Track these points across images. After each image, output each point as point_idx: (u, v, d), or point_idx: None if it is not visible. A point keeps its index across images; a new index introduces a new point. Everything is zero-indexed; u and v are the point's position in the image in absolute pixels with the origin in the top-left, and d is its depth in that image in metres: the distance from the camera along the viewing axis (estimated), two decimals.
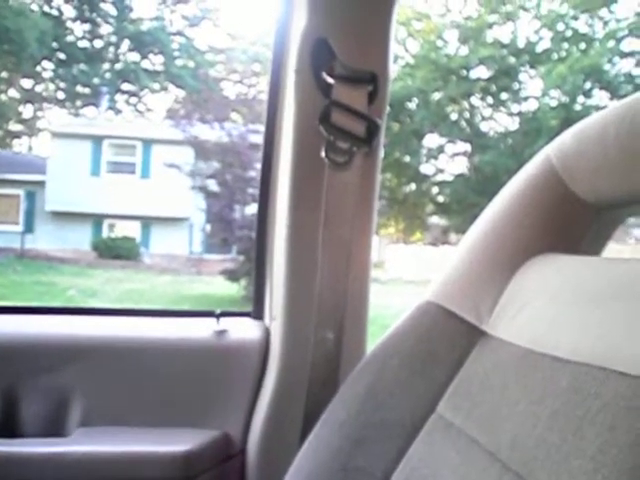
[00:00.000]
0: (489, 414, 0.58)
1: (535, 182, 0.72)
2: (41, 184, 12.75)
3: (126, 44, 18.57)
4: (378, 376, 0.72)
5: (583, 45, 13.09)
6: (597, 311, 0.55)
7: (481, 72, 14.40)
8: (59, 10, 17.67)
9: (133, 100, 19.32)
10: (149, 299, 7.89)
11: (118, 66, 18.38)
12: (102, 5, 18.18)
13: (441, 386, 0.67)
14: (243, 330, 1.00)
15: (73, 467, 0.86)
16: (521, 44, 14.08)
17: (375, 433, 0.68)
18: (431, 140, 14.64)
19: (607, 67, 12.56)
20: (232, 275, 8.09)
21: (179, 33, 18.83)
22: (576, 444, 0.46)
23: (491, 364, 0.63)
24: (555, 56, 13.43)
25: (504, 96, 14.31)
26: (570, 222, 0.70)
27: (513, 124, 14.33)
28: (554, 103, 13.30)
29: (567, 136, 0.69)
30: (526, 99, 14.26)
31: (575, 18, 13.53)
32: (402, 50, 13.81)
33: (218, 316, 0.99)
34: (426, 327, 0.72)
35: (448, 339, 0.70)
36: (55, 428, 0.93)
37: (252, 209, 8.07)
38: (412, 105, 13.83)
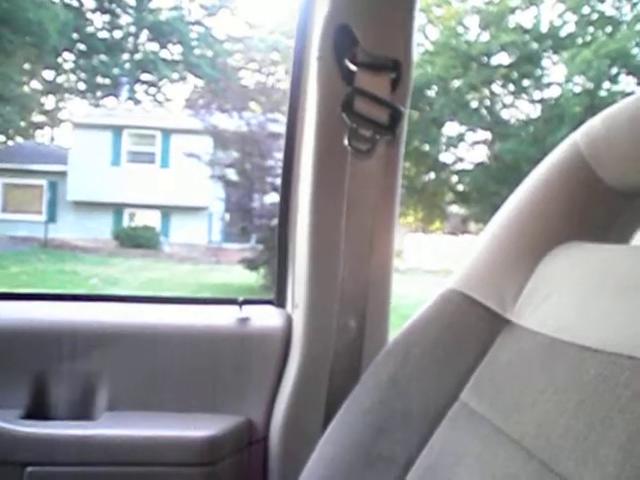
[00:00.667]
0: (513, 402, 0.58)
1: (562, 169, 0.71)
2: (63, 174, 12.94)
3: (145, 34, 18.65)
4: (401, 364, 0.72)
5: (609, 29, 12.78)
6: (625, 300, 0.54)
7: (502, 59, 14.17)
8: (79, 1, 17.79)
9: (152, 90, 19.44)
10: (169, 287, 7.99)
11: (137, 56, 18.49)
12: None
13: (465, 374, 0.67)
14: (265, 318, 1.01)
15: (100, 449, 0.88)
16: (544, 29, 13.81)
17: (398, 421, 0.69)
18: (451, 128, 14.50)
19: (635, 51, 12.25)
20: (251, 264, 8.14)
21: (197, 22, 18.85)
22: (604, 433, 0.46)
23: (515, 352, 0.63)
24: (580, 41, 13.15)
25: (526, 83, 14.08)
26: (598, 210, 0.69)
27: (535, 111, 14.10)
28: (578, 89, 13.05)
29: (595, 122, 0.68)
30: (549, 86, 14.01)
31: (601, 1, 13.21)
32: (422, 37, 13.64)
33: (241, 304, 1.00)
34: (449, 315, 0.72)
35: (472, 327, 0.70)
36: (83, 412, 0.95)
37: (271, 198, 8.09)
38: (431, 93, 13.69)
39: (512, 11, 14.18)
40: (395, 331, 0.95)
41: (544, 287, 0.65)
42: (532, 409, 0.54)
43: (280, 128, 8.43)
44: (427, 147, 13.68)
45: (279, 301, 1.05)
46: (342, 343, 0.89)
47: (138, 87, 18.67)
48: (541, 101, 14.03)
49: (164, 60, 18.59)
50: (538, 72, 13.99)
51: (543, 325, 0.61)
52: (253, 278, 8.12)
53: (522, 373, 0.59)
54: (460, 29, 14.72)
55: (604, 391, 0.48)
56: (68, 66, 18.39)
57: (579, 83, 13.16)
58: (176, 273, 9.61)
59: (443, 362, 0.69)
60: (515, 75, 14.06)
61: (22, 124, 16.91)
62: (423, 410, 0.67)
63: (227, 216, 10.00)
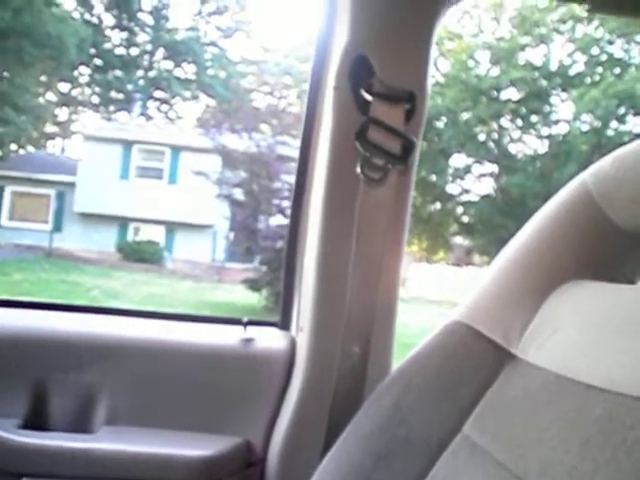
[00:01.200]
0: (517, 438, 0.58)
1: (570, 207, 0.72)
2: (71, 185, 13.03)
3: (161, 52, 19.00)
4: (404, 392, 0.72)
5: (618, 70, 12.94)
6: (631, 340, 0.54)
7: (512, 94, 14.34)
8: (99, 18, 18.19)
9: (164, 107, 19.71)
10: (170, 303, 7.97)
11: (152, 73, 18.79)
12: (140, 15, 18.66)
13: (468, 406, 0.67)
14: (269, 339, 1.01)
15: (98, 464, 0.87)
16: (554, 67, 13.99)
17: (399, 449, 0.68)
18: (458, 160, 14.60)
19: None
20: (254, 285, 8.13)
21: (213, 43, 19.20)
22: (610, 475, 0.45)
23: (520, 387, 0.63)
24: (588, 80, 13.31)
25: (534, 119, 14.21)
26: (606, 249, 0.70)
27: (542, 147, 14.20)
28: (586, 127, 13.16)
29: (605, 163, 0.69)
30: (557, 122, 14.14)
31: (611, 42, 13.41)
32: (433, 69, 13.82)
33: (245, 324, 1.00)
34: (453, 346, 0.72)
35: (476, 359, 0.70)
36: (81, 424, 0.95)
37: (277, 220, 8.11)
38: (440, 124, 13.82)
39: (522, 48, 14.40)
40: (397, 360, 0.95)
41: (550, 324, 0.65)
42: (536, 446, 0.54)
43: (289, 151, 8.52)
44: (434, 177, 13.75)
45: (284, 323, 1.05)
46: (345, 368, 0.89)
47: (151, 103, 18.94)
48: (549, 137, 14.14)
49: (178, 78, 18.89)
50: (546, 109, 14.14)
51: (549, 362, 0.61)
52: (255, 299, 8.10)
53: (527, 409, 0.59)
54: (471, 63, 14.93)
55: (610, 432, 0.48)
56: (83, 80, 18.71)
57: (587, 121, 13.28)
58: (178, 289, 9.59)
59: (446, 393, 0.69)
60: (524, 110, 14.20)
61: (35, 134, 17.11)
62: (424, 440, 0.67)
63: (232, 235, 10.03)
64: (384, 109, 0.87)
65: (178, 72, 19.15)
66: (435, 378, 0.71)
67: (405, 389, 0.72)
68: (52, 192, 13.24)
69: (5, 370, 0.95)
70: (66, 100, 18.95)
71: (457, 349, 0.72)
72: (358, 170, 0.87)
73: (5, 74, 13.27)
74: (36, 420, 0.94)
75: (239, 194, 8.75)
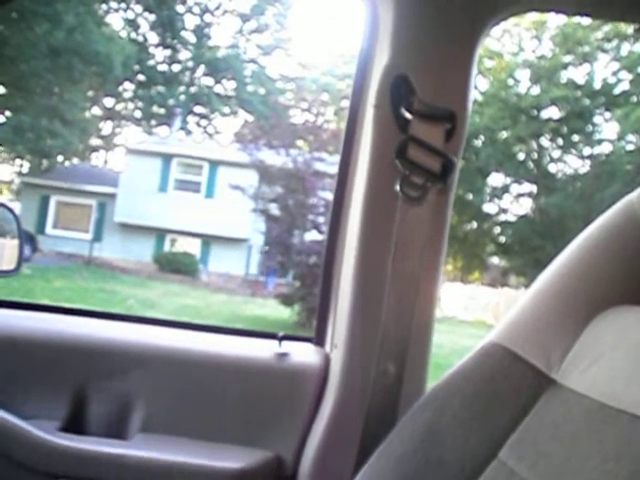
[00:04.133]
0: (557, 466, 0.56)
1: (616, 230, 0.70)
2: (112, 196, 13.41)
3: (202, 69, 19.48)
4: (438, 414, 0.70)
5: None
6: None
7: (552, 113, 14.12)
8: (144, 37, 18.82)
9: (204, 122, 20.16)
10: (204, 315, 8.06)
11: (192, 89, 19.27)
12: (183, 33, 19.22)
13: (504, 431, 0.65)
14: (304, 355, 1.01)
15: (131, 470, 0.89)
16: (597, 85, 13.73)
17: (432, 472, 0.67)
18: (496, 179, 14.41)
19: None
20: (286, 300, 8.16)
21: (252, 61, 19.59)
22: None
23: (561, 414, 0.61)
24: (634, 99, 13.00)
25: (575, 138, 13.94)
26: None
27: (583, 167, 13.90)
28: (630, 147, 12.83)
29: None
30: (600, 142, 13.83)
31: None
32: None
33: (281, 339, 1.01)
34: (490, 368, 0.71)
35: (514, 383, 0.68)
36: (117, 430, 0.96)
37: (311, 235, 8.14)
38: (478, 142, 13.69)
39: (564, 67, 14.20)
40: (429, 380, 0.94)
41: (593, 349, 0.64)
42: (578, 476, 0.53)
43: (325, 167, 8.57)
44: (471, 196, 13.60)
45: (318, 340, 1.05)
46: (379, 387, 0.88)
47: (190, 118, 19.41)
48: (591, 157, 13.84)
49: (217, 94, 19.32)
50: (589, 128, 13.85)
51: (591, 389, 0.59)
52: (287, 314, 8.11)
53: (568, 437, 0.57)
54: (510, 81, 14.79)
55: None
56: (127, 95, 19.33)
57: (632, 141, 12.95)
58: (211, 302, 9.70)
59: (482, 416, 0.68)
60: (565, 130, 13.96)
61: (80, 146, 17.71)
62: (459, 464, 0.66)
63: (266, 250, 10.11)
64: (424, 128, 0.87)
65: (218, 88, 19.59)
66: (471, 400, 0.70)
67: (440, 411, 0.71)
68: (94, 202, 13.64)
69: (49, 373, 0.98)
70: (110, 114, 19.61)
71: (494, 372, 0.70)
72: (397, 188, 0.87)
73: (56, 89, 13.83)
74: (74, 424, 0.96)
75: (275, 209, 8.84)
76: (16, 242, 1.24)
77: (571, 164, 14.27)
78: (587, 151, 13.99)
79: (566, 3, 0.93)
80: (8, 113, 13.98)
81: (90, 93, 17.20)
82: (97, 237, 13.25)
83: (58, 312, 1.08)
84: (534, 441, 0.61)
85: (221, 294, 10.98)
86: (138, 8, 18.59)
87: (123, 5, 18.24)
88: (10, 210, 1.29)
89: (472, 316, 11.91)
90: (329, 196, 8.11)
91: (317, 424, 0.94)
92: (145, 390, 0.98)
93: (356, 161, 0.97)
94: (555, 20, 14.17)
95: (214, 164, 13.21)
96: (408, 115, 0.87)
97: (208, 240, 13.05)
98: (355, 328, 0.91)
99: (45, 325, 1.02)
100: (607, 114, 13.75)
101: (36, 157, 16.17)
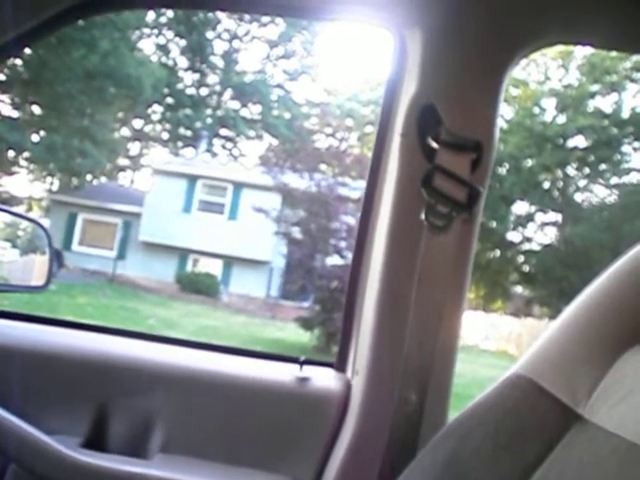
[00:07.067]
0: None
1: None
2: (137, 215, 13.63)
3: (229, 93, 19.89)
4: (460, 446, 0.69)
5: None
6: None
7: (579, 141, 14.01)
8: (174, 61, 19.33)
9: (229, 145, 20.50)
10: (223, 337, 8.07)
11: (219, 113, 19.65)
12: (212, 58, 19.69)
13: (530, 466, 0.64)
14: (325, 380, 1.01)
15: None
16: (625, 115, 13.61)
17: None
18: (520, 207, 14.28)
19: None
20: (306, 323, 8.13)
21: (279, 86, 19.94)
22: None
23: (588, 452, 0.59)
24: None
25: (602, 167, 13.78)
26: None
27: (611, 197, 13.70)
28: None
29: None
30: (628, 172, 13.63)
31: None
32: None
33: (302, 363, 1.01)
34: (515, 400, 0.70)
35: (539, 417, 0.67)
36: (137, 449, 0.97)
37: (333, 260, 8.14)
38: (502, 170, 13.63)
39: (592, 96, 14.12)
40: (450, 409, 0.92)
41: (623, 385, 0.62)
42: None
43: (348, 192, 8.59)
44: (494, 224, 13.48)
45: (340, 365, 1.04)
46: (401, 416, 0.87)
47: (216, 141, 19.75)
48: (618, 186, 13.64)
49: (243, 118, 19.67)
50: (616, 157, 13.69)
51: (621, 427, 0.58)
52: (306, 338, 8.07)
53: (595, 475, 0.56)
54: (536, 110, 14.75)
55: None
56: (156, 117, 19.81)
57: None
58: (231, 323, 9.72)
59: (505, 450, 0.67)
60: (592, 159, 13.81)
61: (108, 166, 18.12)
62: None
63: (287, 273, 10.13)
64: (450, 157, 0.87)
65: (244, 112, 19.94)
66: (494, 433, 0.68)
67: (462, 442, 0.70)
68: (119, 221, 13.87)
69: (72, 389, 0.99)
70: (138, 135, 20.07)
71: (519, 404, 0.69)
72: (422, 217, 0.87)
73: (88, 111, 14.25)
74: (95, 441, 0.97)
75: (297, 232, 8.87)
76: (45, 258, 1.26)
77: (598, 193, 14.09)
78: (614, 180, 13.80)
79: (594, 36, 0.93)
80: (42, 132, 14.41)
81: (120, 114, 17.65)
82: (121, 255, 13.44)
83: (81, 329, 1.10)
84: (560, 479, 0.60)
85: (241, 316, 10.99)
86: (169, 34, 19.14)
87: (155, 31, 18.81)
88: (42, 227, 1.32)
89: (494, 346, 11.70)
90: (351, 221, 8.13)
91: (337, 451, 0.94)
92: (166, 410, 0.99)
93: (382, 188, 0.97)
94: (582, 50, 14.17)
95: (238, 186, 13.36)
96: (434, 144, 0.88)
97: (230, 261, 13.12)
98: (377, 355, 0.90)
99: (69, 341, 1.04)
100: (636, 143, 13.59)
101: (66, 175, 16.58)
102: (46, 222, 13.35)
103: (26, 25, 0.86)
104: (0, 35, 0.85)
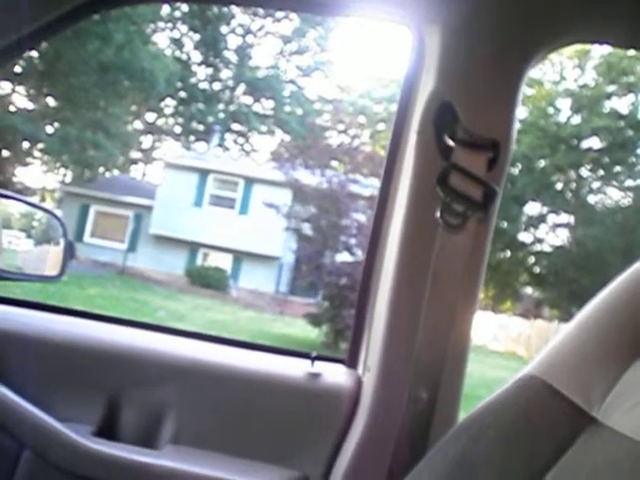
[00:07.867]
0: None
1: None
2: (148, 208, 13.70)
3: (241, 88, 19.90)
4: (471, 445, 0.69)
5: None
6: None
7: (593, 143, 13.88)
8: (188, 55, 19.38)
9: (241, 140, 20.52)
10: (232, 331, 8.10)
11: (232, 107, 19.68)
12: (225, 52, 19.71)
13: (541, 468, 0.63)
14: (336, 376, 1.01)
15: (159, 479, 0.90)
16: None
17: None
18: (532, 208, 14.18)
19: None
20: (314, 320, 8.13)
21: (291, 81, 19.93)
22: None
23: (601, 454, 0.59)
24: None
25: (617, 169, 13.64)
26: None
27: (625, 199, 13.57)
28: None
29: None
30: None
31: None
32: None
33: (314, 359, 1.01)
34: (527, 402, 0.69)
35: (551, 418, 0.67)
36: (148, 439, 0.98)
37: (343, 257, 8.13)
38: (515, 170, 13.54)
39: (608, 97, 13.97)
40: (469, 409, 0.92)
41: (638, 389, 0.62)
42: None
43: (360, 189, 8.58)
44: (505, 224, 13.40)
45: (351, 362, 1.04)
46: (411, 414, 0.87)
47: (228, 136, 19.78)
48: (633, 189, 13.50)
49: (256, 113, 19.68)
50: (631, 159, 13.55)
51: (635, 431, 0.57)
52: (314, 334, 8.08)
53: (609, 478, 0.56)
54: (550, 110, 14.63)
55: None
56: (168, 111, 19.87)
57: None
58: (240, 318, 9.75)
59: (516, 451, 0.66)
60: (606, 160, 13.68)
61: (121, 159, 18.23)
62: None
63: (297, 269, 10.15)
64: (466, 156, 0.87)
65: (256, 107, 19.95)
66: (506, 432, 0.68)
67: (473, 441, 0.69)
68: (131, 214, 13.95)
69: (85, 379, 1.00)
70: (151, 129, 20.16)
71: (531, 405, 0.69)
72: (437, 215, 0.87)
73: (102, 103, 14.34)
74: (107, 430, 0.98)
75: (307, 228, 8.88)
76: (59, 248, 1.27)
77: (611, 196, 13.96)
78: (629, 183, 13.66)
79: (612, 35, 0.92)
80: (56, 124, 14.52)
81: (133, 108, 17.74)
82: (132, 247, 13.52)
83: (95, 319, 1.11)
84: None
85: (250, 311, 11.03)
86: (184, 28, 19.18)
87: (170, 25, 18.85)
88: (57, 218, 1.33)
89: (502, 346, 11.64)
90: (362, 218, 8.11)
91: (346, 447, 0.94)
92: (177, 401, 0.99)
93: (397, 186, 0.97)
94: (599, 50, 14.02)
95: (249, 181, 13.38)
96: (451, 142, 0.87)
97: (240, 256, 13.16)
98: (389, 352, 0.90)
99: (83, 331, 1.05)
100: None
101: (79, 167, 16.71)
102: (59, 213, 13.46)
103: (43, 19, 0.87)
104: (17, 29, 0.86)
